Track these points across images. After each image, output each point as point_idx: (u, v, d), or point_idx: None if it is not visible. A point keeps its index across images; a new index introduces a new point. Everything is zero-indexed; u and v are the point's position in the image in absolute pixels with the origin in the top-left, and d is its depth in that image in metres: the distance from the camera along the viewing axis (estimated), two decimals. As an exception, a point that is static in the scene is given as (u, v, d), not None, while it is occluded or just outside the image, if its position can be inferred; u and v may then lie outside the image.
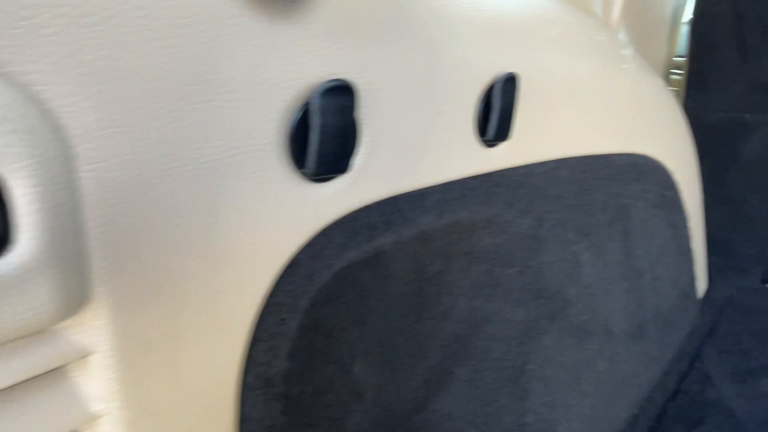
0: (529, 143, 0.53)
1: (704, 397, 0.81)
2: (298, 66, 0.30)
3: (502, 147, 0.49)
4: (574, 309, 0.63)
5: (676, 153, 0.91)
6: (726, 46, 1.18)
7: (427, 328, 0.60)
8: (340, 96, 0.32)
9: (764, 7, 1.12)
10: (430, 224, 0.44)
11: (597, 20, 0.96)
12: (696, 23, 1.21)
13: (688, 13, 1.29)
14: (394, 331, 0.59)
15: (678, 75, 1.38)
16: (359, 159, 0.35)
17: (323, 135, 0.31)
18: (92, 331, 0.24)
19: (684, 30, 1.29)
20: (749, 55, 1.16)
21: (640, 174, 0.76)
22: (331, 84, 0.31)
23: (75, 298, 0.23)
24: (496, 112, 0.45)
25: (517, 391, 0.61)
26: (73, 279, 0.22)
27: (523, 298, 0.60)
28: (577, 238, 0.62)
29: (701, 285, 1.14)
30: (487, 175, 0.49)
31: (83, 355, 0.25)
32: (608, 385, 0.69)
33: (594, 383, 0.66)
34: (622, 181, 0.71)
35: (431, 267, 0.59)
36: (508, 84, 0.46)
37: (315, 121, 0.31)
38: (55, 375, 0.25)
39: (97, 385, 0.25)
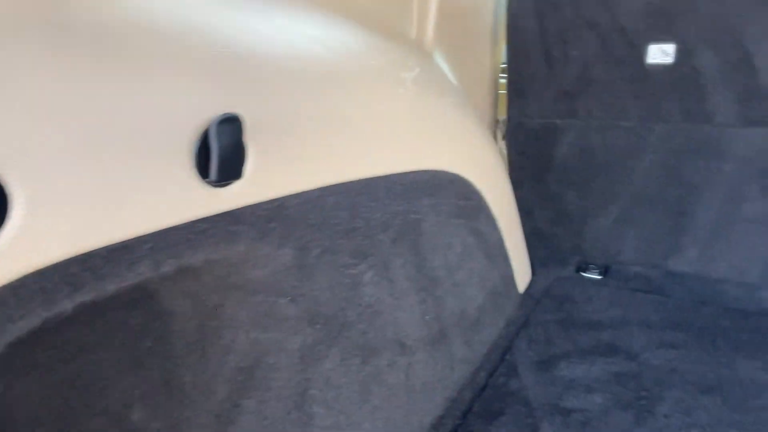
0: (278, 177, 0.54)
1: (508, 388, 0.88)
2: None
3: (238, 185, 0.49)
4: (355, 330, 0.65)
5: (478, 163, 0.97)
6: (536, 57, 1.29)
7: (212, 364, 0.59)
8: None
9: (563, 23, 1.23)
10: (145, 274, 0.43)
11: (406, 43, 1.00)
12: (510, 36, 1.31)
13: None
14: (180, 369, 0.57)
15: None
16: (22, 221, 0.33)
17: None
18: None
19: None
20: (554, 66, 1.27)
21: (433, 188, 0.81)
22: None
23: None
24: (215, 153, 0.45)
25: (301, 416, 0.62)
26: None
27: (298, 326, 0.60)
28: (353, 261, 0.64)
29: (523, 279, 1.24)
30: (223, 215, 0.48)
31: None
32: (405, 394, 0.73)
33: (386, 396, 0.69)
34: (409, 198, 0.75)
35: (208, 302, 0.58)
36: (226, 124, 0.45)
37: None
38: None
39: None
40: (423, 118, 0.82)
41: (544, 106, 1.32)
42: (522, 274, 1.21)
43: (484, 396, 0.86)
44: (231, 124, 0.46)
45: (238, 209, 0.50)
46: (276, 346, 0.60)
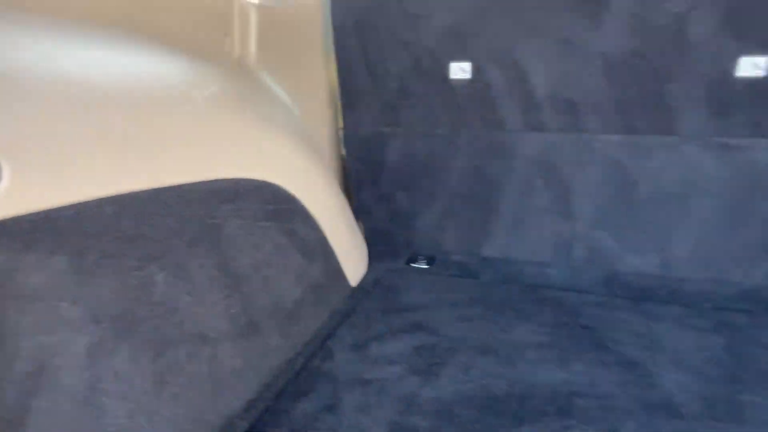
0: (42, 190, 0.59)
1: (321, 369, 0.99)
2: None
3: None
4: (146, 325, 0.72)
5: (293, 170, 1.08)
6: (361, 73, 1.43)
7: None
8: None
9: (381, 42, 1.38)
10: None
11: (222, 63, 1.08)
12: (337, 53, 1.44)
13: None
14: None
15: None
16: None
17: None
18: None
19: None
20: (377, 80, 1.42)
21: (234, 195, 0.90)
22: None
23: None
24: None
25: (93, 410, 0.67)
26: None
27: (82, 327, 0.66)
28: (140, 264, 0.71)
29: (356, 273, 1.37)
30: None
31: None
32: (210, 381, 0.81)
33: (186, 384, 0.76)
34: (207, 205, 0.83)
35: None
36: None
37: None
38: None
39: None
40: (224, 131, 0.91)
41: (373, 116, 1.47)
42: (354, 268, 1.34)
43: (299, 378, 0.96)
44: None
45: None
46: (62, 347, 0.65)
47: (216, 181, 0.85)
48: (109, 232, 0.66)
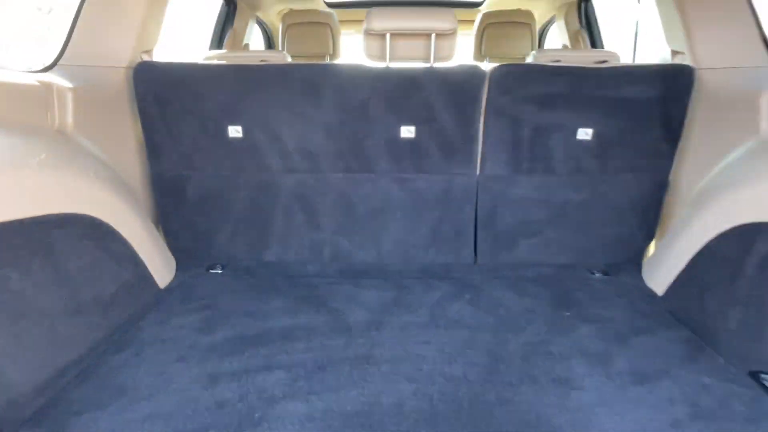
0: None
1: (132, 337, 1.47)
2: None
3: None
4: (5, 308, 1.16)
5: (107, 205, 1.56)
6: (161, 131, 1.94)
7: None
8: None
9: (174, 110, 1.92)
10: None
11: (41, 134, 1.52)
12: (142, 119, 1.93)
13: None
14: None
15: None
16: None
17: None
18: None
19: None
20: (174, 137, 1.95)
21: (62, 223, 1.37)
22: None
23: None
24: None
25: None
26: None
27: None
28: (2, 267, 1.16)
29: (164, 278, 1.87)
30: None
31: None
32: (52, 343, 1.26)
33: (38, 341, 1.21)
34: (42, 232, 1.30)
35: None
36: None
37: None
38: None
39: None
40: (50, 180, 1.37)
41: (174, 163, 1.99)
42: (161, 274, 1.84)
43: (116, 343, 1.43)
44: None
45: None
46: None
47: (48, 215, 1.32)
48: None
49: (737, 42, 1.81)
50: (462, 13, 3.90)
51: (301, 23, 3.39)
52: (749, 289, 1.39)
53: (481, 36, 3.23)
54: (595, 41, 3.15)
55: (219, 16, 3.23)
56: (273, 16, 3.74)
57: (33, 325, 1.23)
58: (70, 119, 1.66)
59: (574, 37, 3.22)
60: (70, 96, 1.65)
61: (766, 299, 1.35)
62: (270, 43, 4.02)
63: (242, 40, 3.37)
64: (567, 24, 3.25)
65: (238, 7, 3.20)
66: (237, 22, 3.22)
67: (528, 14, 3.27)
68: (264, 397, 1.20)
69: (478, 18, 3.29)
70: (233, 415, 1.13)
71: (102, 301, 1.47)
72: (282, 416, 1.13)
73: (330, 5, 3.71)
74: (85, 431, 1.08)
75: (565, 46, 3.30)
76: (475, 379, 1.28)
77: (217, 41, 3.21)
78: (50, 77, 1.64)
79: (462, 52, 3.74)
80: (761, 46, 1.78)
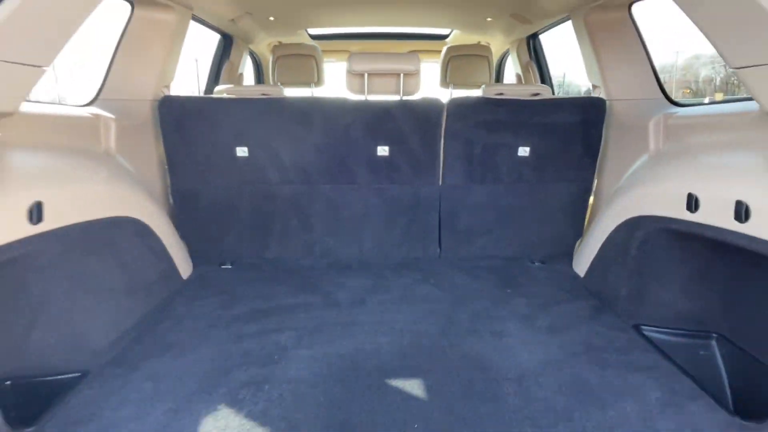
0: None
1: (169, 311, 1.88)
2: None
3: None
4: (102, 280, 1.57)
5: (143, 209, 1.98)
6: (181, 152, 2.36)
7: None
8: None
9: (192, 134, 2.34)
10: None
11: (93, 153, 1.94)
12: (165, 142, 2.35)
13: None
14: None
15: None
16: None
17: None
18: None
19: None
20: (191, 155, 2.37)
21: (116, 223, 1.78)
22: None
23: None
24: None
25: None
26: None
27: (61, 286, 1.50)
28: (85, 257, 1.57)
29: (185, 271, 2.28)
30: None
31: None
32: (118, 312, 1.67)
33: (111, 312, 1.62)
34: (102, 231, 1.71)
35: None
36: None
37: None
38: None
39: None
40: (103, 189, 1.79)
41: (190, 179, 2.41)
42: (183, 268, 2.25)
43: (159, 313, 1.84)
44: None
45: None
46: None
47: (111, 216, 1.74)
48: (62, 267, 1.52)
49: (636, 79, 2.34)
50: (431, 45, 4.43)
51: (289, 55, 3.85)
52: (633, 266, 1.88)
53: (446, 66, 3.73)
54: (542, 71, 3.68)
55: (217, 49, 3.67)
56: (263, 48, 4.20)
57: (105, 298, 1.64)
58: (113, 143, 2.08)
59: (525, 68, 3.75)
60: (113, 125, 2.07)
61: (643, 272, 1.84)
62: (260, 72, 4.47)
63: (237, 70, 3.81)
64: (519, 56, 3.79)
65: (234, 41, 3.65)
66: (233, 55, 3.67)
67: (486, 48, 3.80)
68: (279, 347, 1.63)
69: (443, 50, 3.80)
70: (258, 359, 1.56)
71: (147, 284, 1.89)
72: (294, 358, 1.56)
73: (314, 38, 4.20)
74: (151, 370, 1.49)
75: (518, 75, 3.83)
76: (434, 333, 1.73)
77: (216, 71, 3.65)
78: (94, 110, 2.07)
79: (432, 78, 4.28)
80: (653, 82, 2.31)
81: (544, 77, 3.67)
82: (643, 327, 1.79)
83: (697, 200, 1.57)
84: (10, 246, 1.28)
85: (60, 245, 1.51)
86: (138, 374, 1.47)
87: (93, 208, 1.67)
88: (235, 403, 1.33)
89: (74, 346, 1.51)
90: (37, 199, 1.38)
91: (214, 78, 3.64)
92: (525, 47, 3.67)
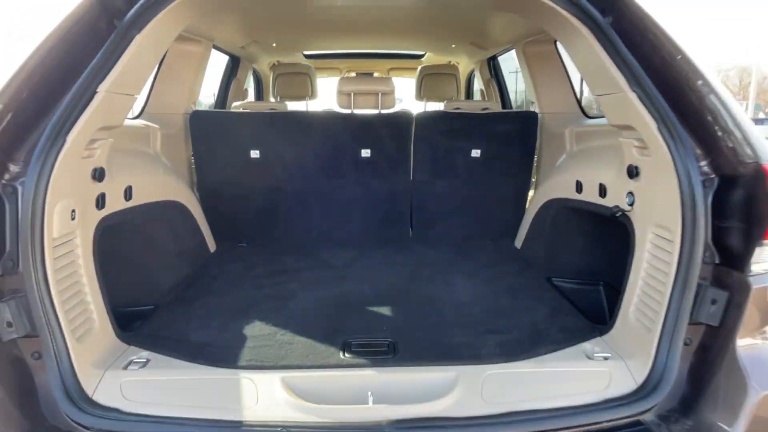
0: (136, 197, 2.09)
1: (206, 271, 2.52)
2: None
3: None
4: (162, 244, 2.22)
5: (182, 194, 2.63)
6: (205, 156, 3.01)
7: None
8: None
9: (214, 142, 2.99)
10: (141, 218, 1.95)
11: (152, 154, 2.59)
12: (194, 147, 3.00)
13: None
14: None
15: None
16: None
17: None
18: None
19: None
20: (217, 158, 3.02)
21: (168, 206, 2.43)
22: None
23: None
24: None
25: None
26: None
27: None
28: (147, 223, 2.22)
29: (210, 246, 2.93)
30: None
31: None
32: (167, 269, 2.31)
33: (162, 269, 2.27)
34: (162, 210, 2.36)
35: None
36: None
37: None
38: None
39: None
40: (158, 180, 2.44)
41: (213, 175, 3.05)
42: (210, 244, 2.90)
43: (198, 273, 2.48)
44: None
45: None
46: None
47: (166, 200, 2.39)
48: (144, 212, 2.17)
49: (560, 96, 3.05)
50: (409, 63, 5.13)
51: (287, 72, 4.52)
52: (547, 236, 2.57)
53: (421, 82, 4.43)
54: (501, 87, 4.39)
55: (226, 68, 4.33)
56: (264, 67, 4.87)
57: (165, 257, 2.29)
58: (158, 147, 2.73)
59: (486, 84, 4.46)
60: (159, 133, 2.72)
61: (554, 240, 2.53)
62: (260, 86, 5.14)
63: (243, 85, 4.47)
64: (481, 74, 4.50)
65: (241, 62, 4.31)
66: (240, 73, 4.33)
67: (454, 67, 4.50)
68: (290, 291, 2.29)
69: (418, 69, 4.50)
70: (276, 297, 2.21)
71: (190, 251, 2.54)
72: (301, 297, 2.22)
73: (308, 57, 4.88)
74: (202, 304, 2.13)
75: (481, 90, 4.54)
76: (402, 283, 2.40)
77: (225, 86, 4.30)
78: (143, 121, 2.71)
79: (409, 91, 4.98)
80: (573, 99, 3.02)
81: (502, 92, 4.38)
82: (554, 279, 2.47)
83: (581, 184, 2.27)
84: (115, 214, 1.92)
85: (140, 217, 2.15)
86: (193, 306, 2.12)
87: (157, 192, 2.32)
88: (264, 318, 1.99)
89: (148, 287, 2.16)
90: (129, 183, 2.03)
91: (224, 92, 4.30)
92: (486, 67, 4.38)
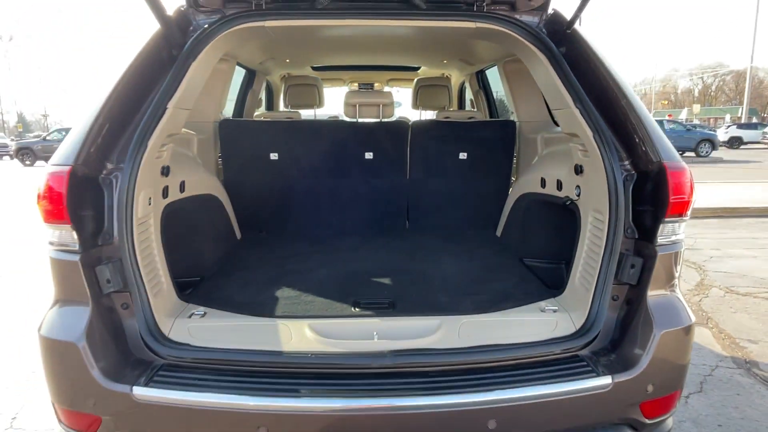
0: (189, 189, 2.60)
1: (235, 254, 3.04)
2: None
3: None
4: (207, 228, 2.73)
5: (215, 187, 3.14)
6: (232, 156, 3.53)
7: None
8: None
9: (239, 146, 3.51)
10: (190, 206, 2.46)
11: (191, 154, 3.11)
12: (222, 149, 3.52)
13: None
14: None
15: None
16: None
17: None
18: None
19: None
20: (237, 158, 3.54)
21: (207, 199, 2.95)
22: None
23: None
24: None
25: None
26: None
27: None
28: (195, 207, 2.73)
29: (237, 234, 3.44)
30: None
31: None
32: (209, 249, 2.83)
33: (201, 250, 2.78)
34: (205, 201, 2.87)
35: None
36: None
37: None
38: None
39: None
40: (205, 178, 2.95)
41: (237, 171, 3.57)
42: (236, 232, 3.41)
43: (231, 254, 2.99)
44: None
45: None
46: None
47: (205, 193, 2.90)
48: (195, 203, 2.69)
49: (533, 107, 3.58)
50: (406, 75, 5.66)
51: (297, 84, 5.05)
52: (520, 224, 3.10)
53: (417, 93, 4.96)
54: (488, 97, 4.91)
55: (243, 80, 4.85)
56: (276, 78, 5.40)
57: (207, 239, 2.81)
58: (195, 150, 3.24)
59: (475, 95, 4.99)
60: (195, 139, 3.24)
61: (525, 227, 3.05)
62: (271, 95, 5.66)
63: (257, 96, 5.00)
64: (471, 86, 5.03)
65: (256, 74, 4.84)
66: (255, 84, 4.86)
67: (447, 79, 5.04)
68: (307, 268, 2.80)
69: (414, 81, 5.03)
70: (297, 273, 2.73)
71: (224, 235, 3.06)
72: (318, 272, 2.74)
73: (315, 69, 5.41)
74: (239, 276, 2.64)
75: (470, 100, 5.07)
76: (399, 262, 2.92)
77: (243, 96, 4.82)
78: (184, 129, 3.23)
79: (408, 97, 5.50)
80: (544, 109, 3.55)
81: (490, 102, 4.91)
82: (525, 259, 2.99)
83: (544, 180, 2.79)
84: (174, 202, 2.44)
85: (189, 206, 2.67)
86: (232, 278, 2.63)
87: (200, 186, 2.84)
88: (290, 286, 2.50)
89: (195, 263, 2.67)
90: (183, 179, 2.54)
91: (242, 101, 4.82)
92: (475, 80, 4.91)
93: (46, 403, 2.09)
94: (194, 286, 2.53)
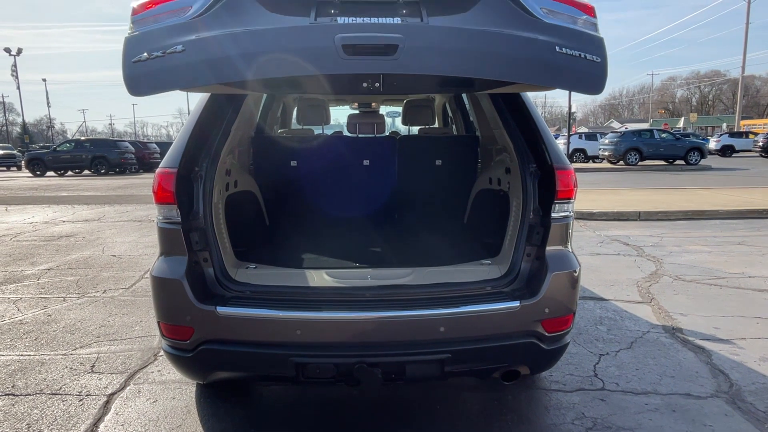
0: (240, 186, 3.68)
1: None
2: None
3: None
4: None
5: (253, 188, 4.22)
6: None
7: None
8: None
9: (267, 151, 4.60)
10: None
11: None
12: (254, 153, 4.61)
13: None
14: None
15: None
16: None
17: None
18: None
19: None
20: (266, 160, 4.62)
21: (247, 193, 4.03)
22: None
23: None
24: None
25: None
26: None
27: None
28: (238, 198, 3.82)
29: (266, 220, 4.52)
30: None
31: None
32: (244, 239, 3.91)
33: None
34: (251, 196, 3.95)
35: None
36: None
37: None
38: None
39: None
40: (247, 179, 4.04)
41: (267, 177, 4.65)
42: (266, 218, 4.49)
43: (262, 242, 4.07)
44: None
45: None
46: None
47: (246, 189, 3.99)
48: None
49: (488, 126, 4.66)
50: (397, 96, 6.77)
51: (308, 105, 6.16)
52: (477, 211, 4.17)
53: (406, 111, 6.06)
54: (465, 117, 6.00)
55: (265, 102, 5.96)
56: (290, 99, 6.52)
57: (249, 225, 3.89)
58: (236, 158, 4.33)
59: (454, 114, 6.09)
60: (236, 150, 4.32)
61: (479, 220, 4.13)
62: (285, 114, 6.78)
63: (276, 114, 6.11)
64: (450, 107, 6.13)
65: (275, 97, 5.95)
66: (275, 104, 5.97)
67: (431, 100, 6.14)
68: (321, 243, 3.88)
69: (404, 102, 6.13)
70: (315, 244, 3.81)
71: (260, 220, 4.13)
72: (330, 244, 3.81)
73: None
74: (274, 247, 3.71)
75: (450, 119, 6.18)
76: (387, 238, 4.00)
77: (265, 116, 5.92)
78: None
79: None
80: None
81: (467, 121, 6.01)
82: (484, 240, 4.06)
83: (491, 179, 3.87)
84: (230, 195, 3.53)
85: (239, 198, 3.74)
86: (268, 248, 3.70)
87: (245, 184, 3.93)
88: (312, 251, 3.57)
89: (243, 238, 3.74)
90: (236, 179, 3.63)
91: (264, 119, 5.93)
92: (453, 102, 6.02)
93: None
94: (245, 250, 3.61)
